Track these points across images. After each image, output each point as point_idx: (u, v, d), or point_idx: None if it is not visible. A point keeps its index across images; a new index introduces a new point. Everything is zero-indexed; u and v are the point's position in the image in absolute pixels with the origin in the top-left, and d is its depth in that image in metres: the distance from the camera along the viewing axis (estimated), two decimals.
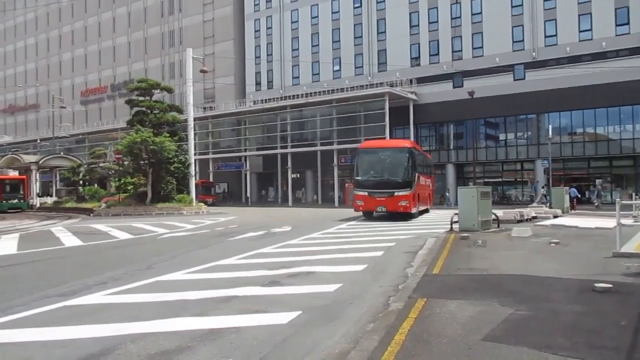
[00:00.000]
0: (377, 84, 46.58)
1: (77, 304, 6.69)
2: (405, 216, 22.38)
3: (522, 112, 42.49)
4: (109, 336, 5.18)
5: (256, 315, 6.01)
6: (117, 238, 16.54)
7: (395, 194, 21.64)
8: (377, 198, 21.92)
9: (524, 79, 41.77)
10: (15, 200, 42.56)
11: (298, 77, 54.18)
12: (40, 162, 46.81)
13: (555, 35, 40.93)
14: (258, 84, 57.13)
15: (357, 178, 23.09)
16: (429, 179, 29.43)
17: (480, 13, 43.95)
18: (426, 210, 28.02)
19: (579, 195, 34.46)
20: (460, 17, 44.41)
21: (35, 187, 46.91)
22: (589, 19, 39.69)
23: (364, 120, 43.90)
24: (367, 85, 46.99)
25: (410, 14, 47.31)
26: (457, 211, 16.11)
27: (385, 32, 48.71)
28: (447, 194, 43.31)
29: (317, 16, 52.96)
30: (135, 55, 67.06)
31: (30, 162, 46.56)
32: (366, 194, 22.28)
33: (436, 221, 21.16)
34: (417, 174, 23.07)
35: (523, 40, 42.19)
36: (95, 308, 6.52)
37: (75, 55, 73.63)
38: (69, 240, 15.99)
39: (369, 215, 23.63)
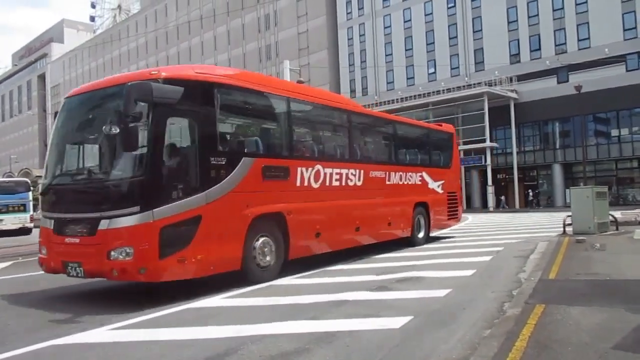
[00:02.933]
0: (474, 84, 45.25)
1: (199, 307, 7.13)
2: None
3: (638, 105, 39.26)
4: (231, 337, 5.47)
5: (368, 320, 6.05)
6: None
7: (101, 226, 7.06)
8: (65, 238, 7.60)
9: (638, 69, 38.63)
10: None
11: (392, 82, 53.92)
12: None
13: None
14: (353, 91, 57.55)
15: (43, 182, 8.59)
16: (425, 171, 14.50)
17: (586, 2, 41.29)
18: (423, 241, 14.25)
19: None
20: (563, 8, 42.08)
21: None
22: None
23: (462, 122, 42.77)
24: (464, 86, 45.79)
25: (507, 9, 45.52)
26: (569, 213, 15.31)
27: (481, 30, 47.20)
28: (502, 198, 41.40)
29: (410, 19, 52.45)
30: None
31: None
32: (49, 226, 7.88)
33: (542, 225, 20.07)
34: (240, 159, 8.47)
35: (636, 28, 39.05)
36: (216, 310, 6.91)
37: None
38: None
39: None
